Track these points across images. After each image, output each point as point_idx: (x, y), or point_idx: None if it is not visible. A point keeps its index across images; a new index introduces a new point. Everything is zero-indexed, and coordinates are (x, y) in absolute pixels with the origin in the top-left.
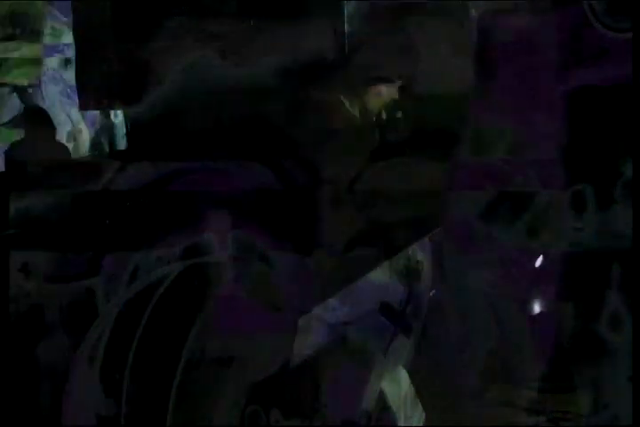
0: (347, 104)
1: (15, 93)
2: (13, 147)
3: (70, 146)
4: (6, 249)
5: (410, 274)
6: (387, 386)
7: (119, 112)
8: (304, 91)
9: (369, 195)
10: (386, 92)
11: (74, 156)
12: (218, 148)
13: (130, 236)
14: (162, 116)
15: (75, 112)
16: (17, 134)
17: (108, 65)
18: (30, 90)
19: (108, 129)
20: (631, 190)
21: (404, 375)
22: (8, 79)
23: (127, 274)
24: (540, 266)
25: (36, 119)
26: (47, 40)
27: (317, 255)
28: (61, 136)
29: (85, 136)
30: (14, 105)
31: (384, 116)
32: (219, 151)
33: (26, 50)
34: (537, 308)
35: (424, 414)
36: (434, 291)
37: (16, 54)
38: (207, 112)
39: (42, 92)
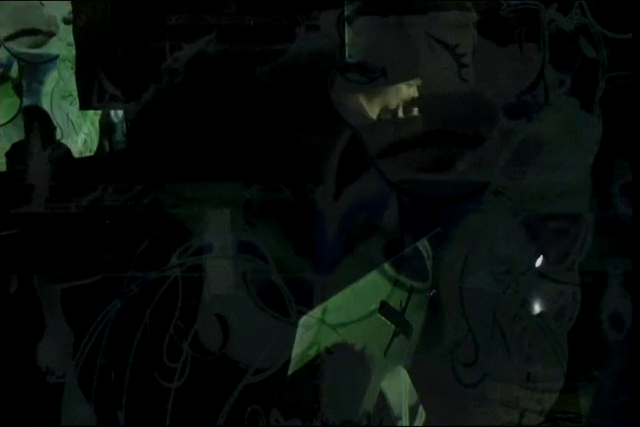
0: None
1: (14, 92)
2: (15, 148)
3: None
4: (6, 249)
5: (410, 274)
6: (387, 386)
7: (119, 112)
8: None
9: None
10: (405, 91)
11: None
12: (218, 148)
13: (130, 236)
14: (162, 117)
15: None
16: (17, 135)
17: (108, 65)
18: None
19: (108, 129)
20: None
21: (404, 375)
22: None
23: (128, 274)
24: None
25: (36, 119)
26: None
27: (317, 254)
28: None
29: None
30: (14, 104)
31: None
32: (219, 152)
33: None
34: (537, 307)
35: (424, 414)
36: (434, 291)
37: None
38: (209, 112)
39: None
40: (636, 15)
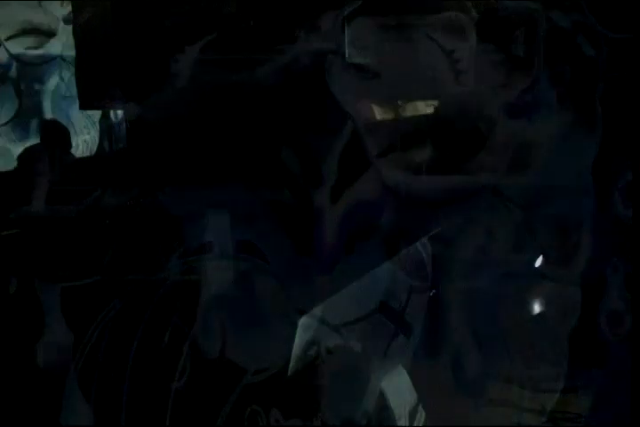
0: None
1: (14, 92)
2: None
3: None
4: (6, 249)
5: (410, 274)
6: (387, 386)
7: (119, 112)
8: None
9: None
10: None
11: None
12: (219, 149)
13: (130, 236)
14: (162, 117)
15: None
16: (17, 135)
17: (108, 65)
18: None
19: (108, 129)
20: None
21: (404, 375)
22: None
23: (127, 274)
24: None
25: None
26: None
27: (318, 254)
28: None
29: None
30: (13, 104)
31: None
32: (220, 152)
33: None
34: (537, 308)
35: (424, 414)
36: (434, 291)
37: None
38: (209, 113)
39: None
40: (636, 15)
